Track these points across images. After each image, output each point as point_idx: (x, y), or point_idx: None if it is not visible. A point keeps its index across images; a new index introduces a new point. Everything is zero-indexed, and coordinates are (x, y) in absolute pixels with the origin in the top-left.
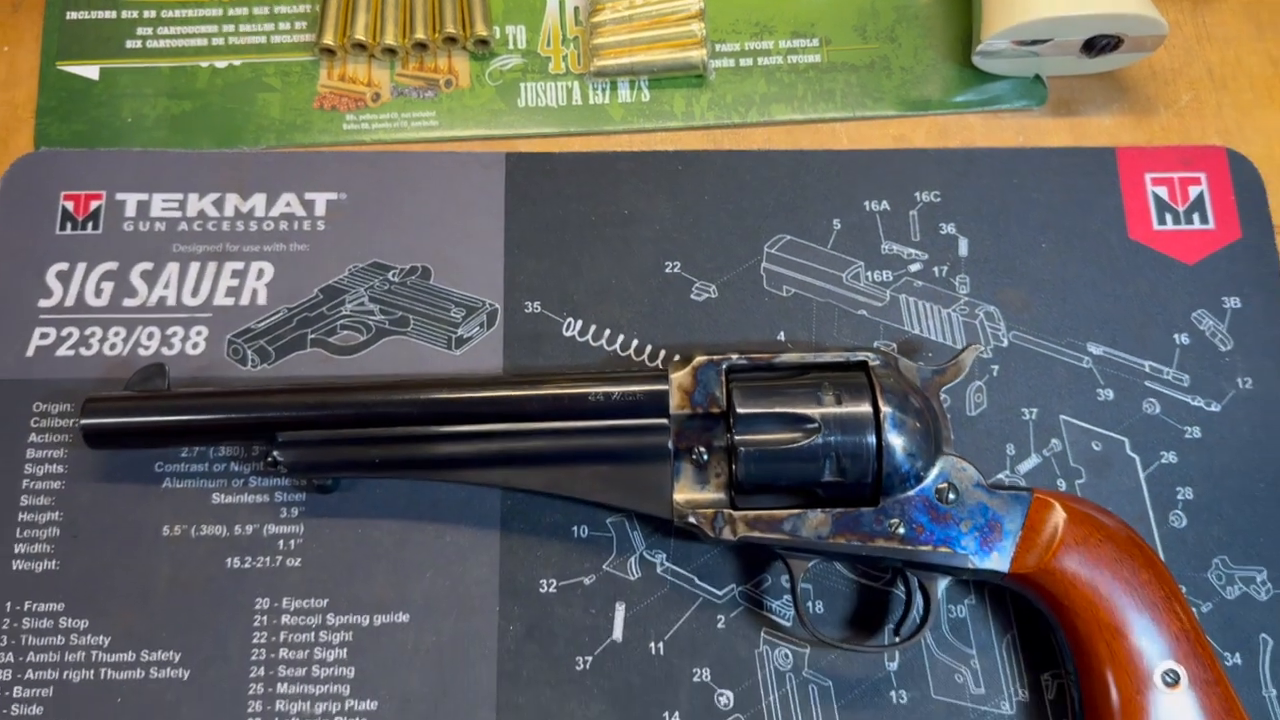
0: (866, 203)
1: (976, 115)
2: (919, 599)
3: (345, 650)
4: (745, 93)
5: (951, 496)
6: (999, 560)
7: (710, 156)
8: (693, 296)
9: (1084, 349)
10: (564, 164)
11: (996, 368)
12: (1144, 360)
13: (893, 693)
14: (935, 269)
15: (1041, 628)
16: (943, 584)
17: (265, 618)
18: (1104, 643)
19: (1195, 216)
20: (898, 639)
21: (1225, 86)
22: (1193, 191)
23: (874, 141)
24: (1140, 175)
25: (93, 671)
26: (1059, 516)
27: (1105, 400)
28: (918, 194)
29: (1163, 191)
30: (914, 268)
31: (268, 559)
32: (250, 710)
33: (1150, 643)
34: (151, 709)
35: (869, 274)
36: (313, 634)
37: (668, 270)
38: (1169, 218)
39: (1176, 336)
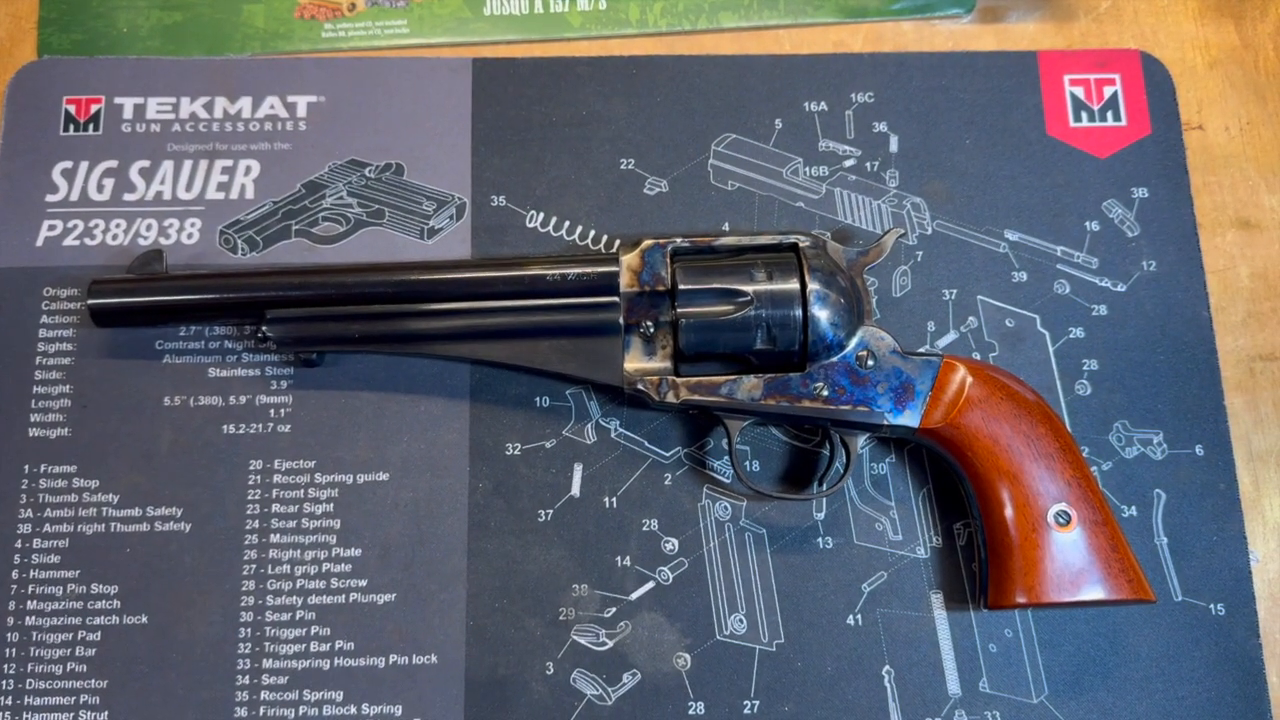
0: (806, 103)
1: (910, 22)
2: (841, 453)
3: (331, 505)
4: (695, 1)
5: (870, 362)
6: (911, 417)
7: (663, 61)
8: (645, 191)
9: (1001, 235)
10: (526, 68)
11: (921, 253)
12: (1056, 245)
13: (819, 539)
14: (868, 164)
15: (953, 483)
16: (862, 439)
17: (259, 477)
18: (1003, 487)
19: (1109, 114)
20: (823, 488)
21: None
22: (1107, 91)
23: (814, 46)
24: (1059, 76)
25: (103, 525)
26: (965, 378)
27: (1019, 281)
28: (853, 95)
29: (1080, 91)
30: (848, 163)
31: (260, 425)
32: (246, 558)
33: (1044, 487)
34: (157, 557)
35: (807, 169)
36: (302, 491)
37: (622, 167)
38: (1084, 115)
39: (1088, 224)
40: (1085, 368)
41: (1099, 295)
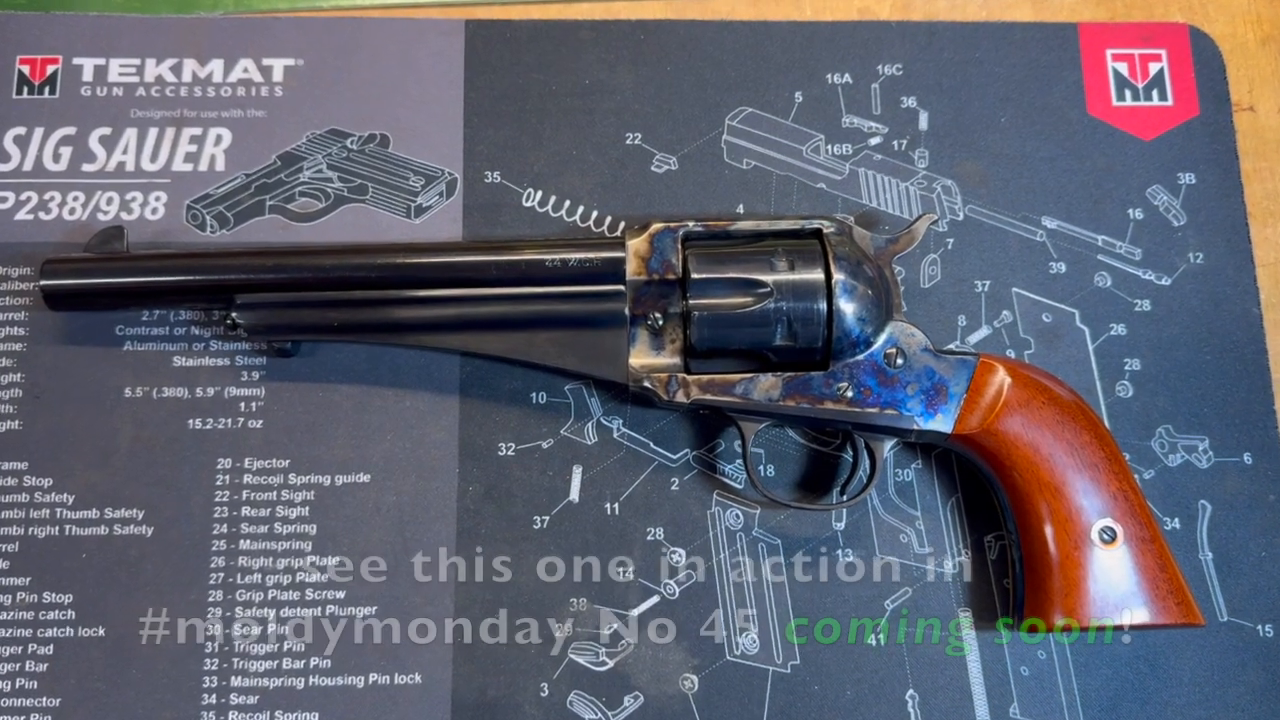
0: (829, 75)
1: None
2: (865, 459)
3: (307, 509)
4: None
5: (899, 361)
6: (943, 422)
7: (673, 26)
8: (653, 168)
9: (1038, 223)
10: (524, 32)
11: (951, 241)
12: (1097, 234)
13: (839, 551)
14: (895, 143)
15: (986, 491)
16: (888, 445)
17: (227, 477)
18: (1044, 501)
19: (1154, 93)
20: (844, 498)
21: None
22: (1153, 68)
23: (838, 13)
24: (1101, 51)
25: (57, 528)
26: (1004, 380)
27: (1057, 273)
28: (880, 67)
29: (1123, 68)
30: (874, 141)
31: (229, 420)
32: (213, 566)
33: (1089, 501)
34: (115, 564)
35: (829, 147)
36: (274, 493)
37: (628, 141)
38: (1128, 94)
39: (1131, 211)
40: (1127, 367)
41: (1142, 289)
